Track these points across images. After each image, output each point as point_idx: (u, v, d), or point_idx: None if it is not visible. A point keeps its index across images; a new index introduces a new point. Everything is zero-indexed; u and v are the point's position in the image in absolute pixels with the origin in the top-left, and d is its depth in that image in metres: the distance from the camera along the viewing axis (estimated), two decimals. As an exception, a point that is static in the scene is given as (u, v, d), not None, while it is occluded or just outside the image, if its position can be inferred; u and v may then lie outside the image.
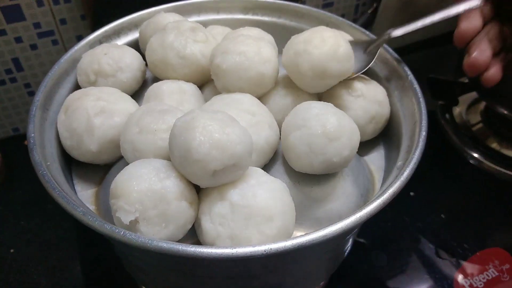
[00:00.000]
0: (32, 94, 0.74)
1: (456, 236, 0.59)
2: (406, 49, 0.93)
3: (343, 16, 0.91)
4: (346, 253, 0.49)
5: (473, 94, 0.77)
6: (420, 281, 0.55)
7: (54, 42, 0.70)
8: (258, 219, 0.33)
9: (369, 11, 0.89)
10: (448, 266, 0.56)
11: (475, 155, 0.68)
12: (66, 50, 0.71)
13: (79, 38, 0.71)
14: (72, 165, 0.44)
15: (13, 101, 0.73)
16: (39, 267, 0.57)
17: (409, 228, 0.60)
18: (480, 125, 0.73)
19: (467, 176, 0.68)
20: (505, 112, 0.67)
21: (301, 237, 0.30)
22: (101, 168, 0.43)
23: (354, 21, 0.92)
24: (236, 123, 0.34)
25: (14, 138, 0.77)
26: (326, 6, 0.87)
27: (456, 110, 0.75)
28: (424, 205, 0.64)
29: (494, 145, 0.70)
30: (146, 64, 0.48)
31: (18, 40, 0.67)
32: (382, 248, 0.58)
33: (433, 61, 0.91)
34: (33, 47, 0.69)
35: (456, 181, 0.68)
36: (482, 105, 0.76)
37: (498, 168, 0.67)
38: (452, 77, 0.81)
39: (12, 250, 0.59)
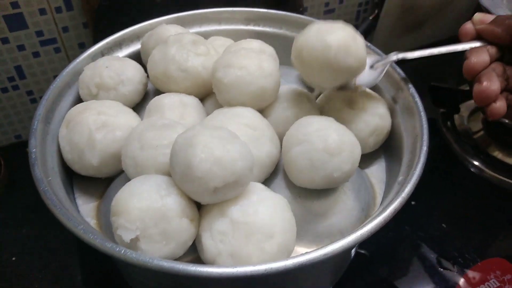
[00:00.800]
0: (34, 101, 0.74)
1: (458, 245, 0.59)
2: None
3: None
4: (348, 264, 0.49)
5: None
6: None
7: (57, 50, 0.70)
8: (259, 236, 0.33)
9: (371, 18, 0.89)
10: (449, 276, 0.56)
11: (476, 163, 0.68)
12: (68, 57, 0.72)
13: (81, 45, 0.71)
14: (74, 178, 0.44)
15: (15, 109, 0.73)
16: (41, 275, 0.57)
17: (411, 237, 0.60)
18: (482, 133, 0.73)
19: (469, 184, 0.68)
20: (506, 120, 0.67)
21: (302, 256, 0.30)
22: (102, 181, 0.43)
23: (356, 27, 0.92)
24: (237, 140, 0.34)
25: (17, 145, 0.77)
26: (327, 12, 0.87)
27: (458, 118, 0.75)
28: (425, 214, 0.64)
29: (496, 153, 0.70)
30: (148, 76, 0.49)
31: (21, 48, 0.67)
32: (383, 258, 0.58)
33: (435, 68, 0.91)
34: (36, 54, 0.69)
35: (457, 190, 0.68)
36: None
37: (499, 176, 0.66)
38: (454, 84, 0.81)
39: (14, 258, 0.59)
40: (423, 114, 0.42)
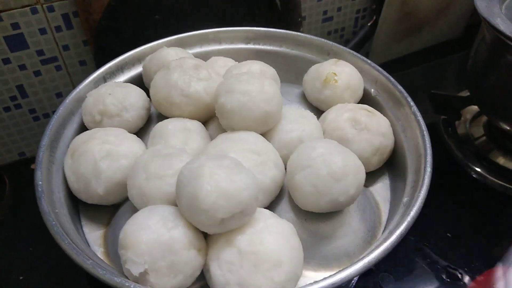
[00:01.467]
0: (37, 119, 0.74)
1: (463, 255, 0.59)
2: (405, 62, 0.94)
3: (343, 29, 0.91)
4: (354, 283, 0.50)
5: (476, 107, 0.77)
6: (428, 302, 0.55)
7: (58, 68, 0.70)
8: (267, 265, 0.33)
9: (369, 24, 0.89)
10: (456, 286, 0.56)
11: (479, 169, 0.68)
12: (69, 75, 0.72)
13: (82, 63, 0.72)
14: (80, 206, 0.44)
15: (18, 127, 0.74)
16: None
17: (416, 248, 0.61)
18: (483, 138, 0.73)
19: (471, 191, 0.68)
20: (508, 127, 0.67)
21: (310, 286, 0.31)
22: (109, 208, 0.44)
23: (354, 33, 0.92)
24: (242, 169, 0.35)
25: (20, 162, 0.77)
26: (326, 20, 0.87)
27: (459, 124, 0.75)
28: (430, 223, 0.64)
29: (498, 159, 0.70)
30: (151, 100, 0.49)
31: (22, 67, 0.68)
32: (389, 270, 0.58)
33: (434, 74, 0.91)
34: (37, 73, 0.69)
35: (461, 197, 0.68)
36: (485, 118, 0.76)
37: (502, 182, 0.66)
38: (453, 90, 0.81)
39: (21, 277, 0.60)
40: (425, 133, 0.42)
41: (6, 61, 0.66)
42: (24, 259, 0.61)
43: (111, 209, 0.44)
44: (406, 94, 0.47)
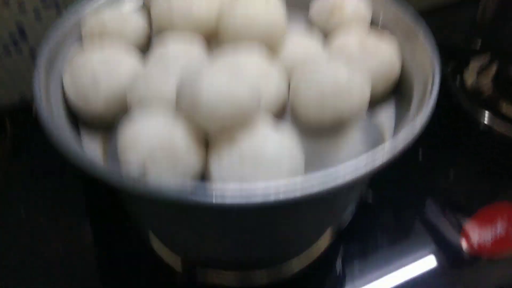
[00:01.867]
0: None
1: (464, 194, 0.60)
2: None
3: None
4: (350, 212, 0.50)
5: (484, 59, 0.76)
6: (427, 240, 0.55)
7: (58, 12, 0.69)
8: (268, 165, 0.33)
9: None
10: (455, 224, 0.56)
11: (486, 119, 0.68)
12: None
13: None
14: (80, 124, 0.44)
15: (19, 70, 0.73)
16: (50, 232, 0.57)
17: (416, 190, 0.61)
18: (491, 89, 0.73)
19: (478, 142, 0.68)
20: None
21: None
22: (108, 128, 0.43)
23: None
24: (244, 73, 0.34)
25: (21, 107, 0.76)
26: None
27: (467, 75, 0.74)
28: (433, 167, 0.64)
29: (505, 110, 0.69)
30: (151, 27, 0.48)
31: (22, 9, 0.67)
32: (389, 209, 0.58)
33: (443, 28, 0.89)
34: (37, 16, 0.68)
35: (466, 145, 0.68)
36: (493, 70, 0.75)
37: (509, 133, 0.66)
38: (462, 41, 0.81)
39: (23, 215, 0.59)
40: (435, 57, 0.40)
41: (6, 3, 0.64)
42: (25, 204, 0.61)
43: (111, 128, 0.43)
44: (415, 21, 0.45)
